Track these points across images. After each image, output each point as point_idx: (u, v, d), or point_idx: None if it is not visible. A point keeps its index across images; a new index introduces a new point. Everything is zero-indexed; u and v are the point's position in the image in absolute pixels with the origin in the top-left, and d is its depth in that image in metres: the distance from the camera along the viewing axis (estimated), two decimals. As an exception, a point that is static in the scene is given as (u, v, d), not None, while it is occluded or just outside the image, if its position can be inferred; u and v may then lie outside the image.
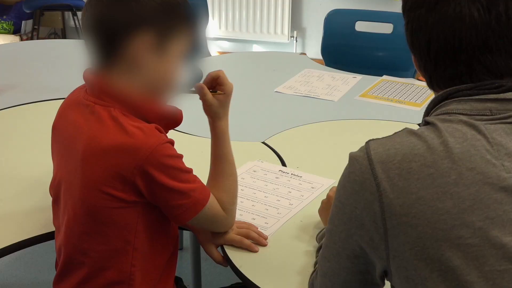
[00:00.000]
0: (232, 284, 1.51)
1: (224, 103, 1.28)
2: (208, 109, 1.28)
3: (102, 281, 1.21)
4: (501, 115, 0.87)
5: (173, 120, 1.22)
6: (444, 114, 0.90)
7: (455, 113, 0.88)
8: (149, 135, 1.13)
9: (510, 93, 0.88)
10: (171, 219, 1.23)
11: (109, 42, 1.14)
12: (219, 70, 1.29)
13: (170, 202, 1.17)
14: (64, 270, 1.25)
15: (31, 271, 2.53)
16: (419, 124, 1.87)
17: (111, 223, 1.17)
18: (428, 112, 0.95)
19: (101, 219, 1.17)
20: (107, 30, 1.13)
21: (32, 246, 1.37)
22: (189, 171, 1.19)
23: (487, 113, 0.87)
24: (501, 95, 0.88)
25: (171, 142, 1.17)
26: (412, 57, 0.97)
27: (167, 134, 1.19)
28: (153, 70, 1.17)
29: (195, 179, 1.20)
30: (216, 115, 1.28)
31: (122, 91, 1.15)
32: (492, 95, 0.88)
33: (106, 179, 1.13)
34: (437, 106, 0.93)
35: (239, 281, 1.25)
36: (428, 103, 0.96)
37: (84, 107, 1.18)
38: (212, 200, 1.22)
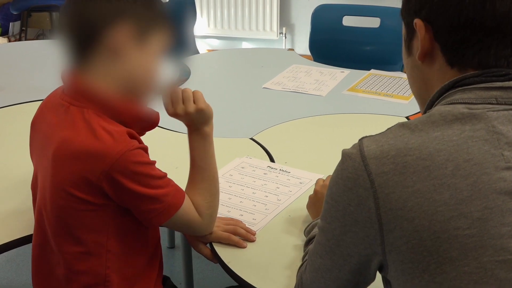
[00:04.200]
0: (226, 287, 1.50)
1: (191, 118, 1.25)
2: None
3: (77, 286, 1.20)
4: (506, 102, 0.86)
5: (149, 122, 1.20)
6: (448, 104, 0.88)
7: (460, 103, 0.87)
8: (118, 141, 1.10)
9: None
10: (143, 223, 1.20)
11: (88, 34, 1.13)
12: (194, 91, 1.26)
13: (141, 207, 1.15)
14: (40, 272, 1.24)
15: (23, 273, 2.51)
16: (407, 117, 1.91)
17: (81, 225, 1.15)
18: (433, 102, 0.93)
19: (70, 221, 1.15)
20: (85, 23, 1.13)
21: (23, 248, 1.36)
22: (161, 176, 1.16)
23: (493, 101, 0.86)
24: (507, 83, 0.86)
25: (143, 148, 1.15)
26: (420, 32, 0.93)
27: (145, 134, 1.18)
28: (133, 62, 1.15)
29: (168, 183, 1.18)
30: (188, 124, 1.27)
31: (98, 91, 1.13)
32: (498, 83, 0.87)
33: (72, 181, 1.11)
34: (442, 96, 0.91)
35: (232, 280, 1.24)
36: (433, 95, 0.94)
37: (59, 107, 1.17)
38: (187, 204, 1.21)
